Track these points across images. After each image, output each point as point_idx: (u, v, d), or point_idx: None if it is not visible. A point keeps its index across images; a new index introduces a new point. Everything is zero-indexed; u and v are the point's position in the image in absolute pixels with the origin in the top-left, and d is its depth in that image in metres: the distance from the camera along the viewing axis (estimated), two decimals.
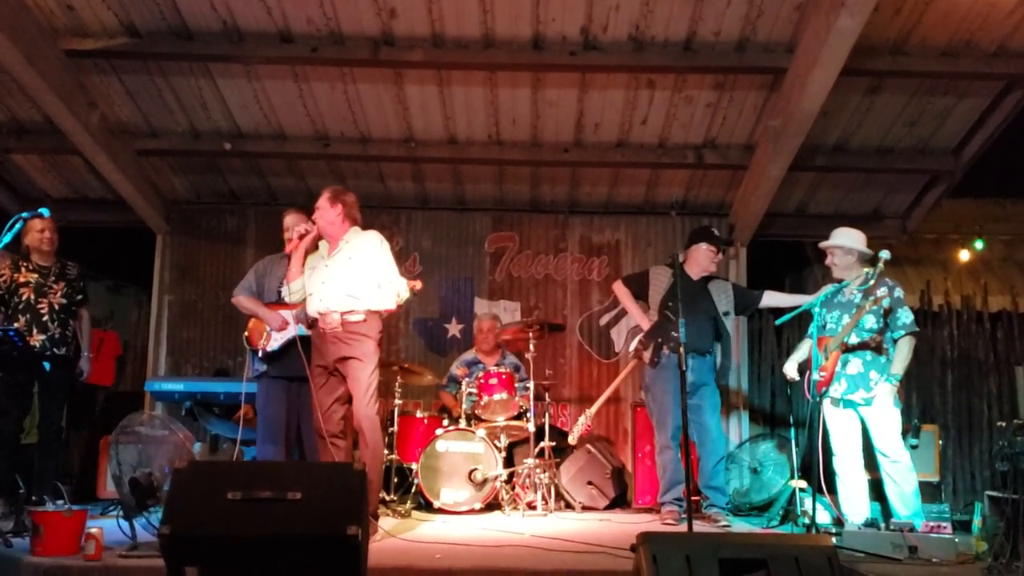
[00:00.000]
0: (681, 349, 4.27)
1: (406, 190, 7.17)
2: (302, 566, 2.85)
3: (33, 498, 4.33)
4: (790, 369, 4.88)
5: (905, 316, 4.57)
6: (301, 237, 4.52)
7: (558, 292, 7.20)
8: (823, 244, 4.79)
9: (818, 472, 4.36)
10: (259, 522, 2.83)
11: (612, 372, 7.00)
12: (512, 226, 7.27)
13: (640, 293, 5.47)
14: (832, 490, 4.76)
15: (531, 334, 5.77)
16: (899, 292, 4.61)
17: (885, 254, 4.44)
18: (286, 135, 6.52)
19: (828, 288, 4.75)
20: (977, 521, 4.31)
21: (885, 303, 4.49)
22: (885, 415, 4.53)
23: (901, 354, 4.54)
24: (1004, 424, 4.14)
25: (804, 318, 4.81)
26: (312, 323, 4.53)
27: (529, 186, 7.13)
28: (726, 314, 5.33)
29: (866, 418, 4.60)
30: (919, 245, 8.24)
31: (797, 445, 5.09)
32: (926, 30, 5.29)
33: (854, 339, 4.56)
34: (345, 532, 2.77)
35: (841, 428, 4.66)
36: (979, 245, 7.93)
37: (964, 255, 7.97)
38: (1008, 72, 5.59)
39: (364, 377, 4.34)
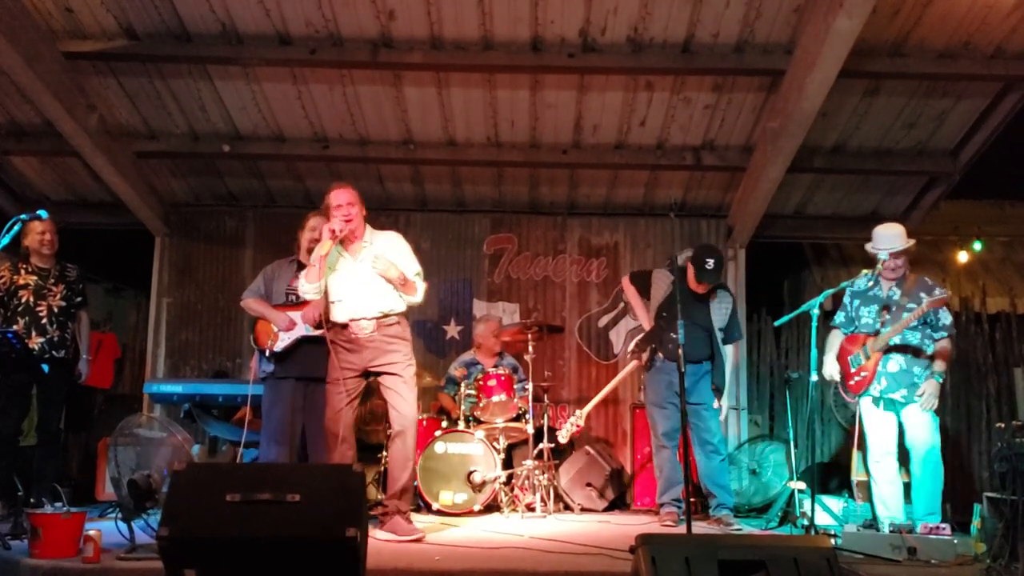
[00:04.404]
0: (680, 351, 4.24)
1: (405, 192, 7.17)
2: (301, 568, 2.85)
3: (31, 500, 4.33)
4: (831, 370, 4.77)
5: (946, 317, 4.56)
6: (333, 234, 4.30)
7: (557, 294, 7.20)
8: (894, 250, 4.57)
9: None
10: (258, 524, 2.82)
11: (611, 374, 6.98)
12: (511, 228, 7.27)
13: (644, 292, 5.45)
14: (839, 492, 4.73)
15: (530, 336, 5.77)
16: (939, 292, 4.53)
17: (884, 255, 4.44)
18: (285, 137, 6.52)
19: (825, 292, 4.70)
20: (976, 522, 4.31)
21: (943, 315, 4.50)
22: (926, 412, 4.48)
23: (942, 354, 4.53)
24: (1003, 425, 4.14)
25: (803, 319, 4.79)
26: (320, 325, 4.52)
27: (528, 188, 7.13)
28: (722, 329, 5.29)
29: (907, 414, 4.53)
30: (917, 246, 8.24)
31: (796, 446, 5.09)
32: (924, 32, 5.30)
33: (896, 339, 4.51)
34: (344, 534, 2.77)
35: (879, 429, 4.60)
36: (977, 247, 7.93)
37: (962, 256, 7.97)
38: (1006, 74, 5.60)
39: (412, 380, 4.38)
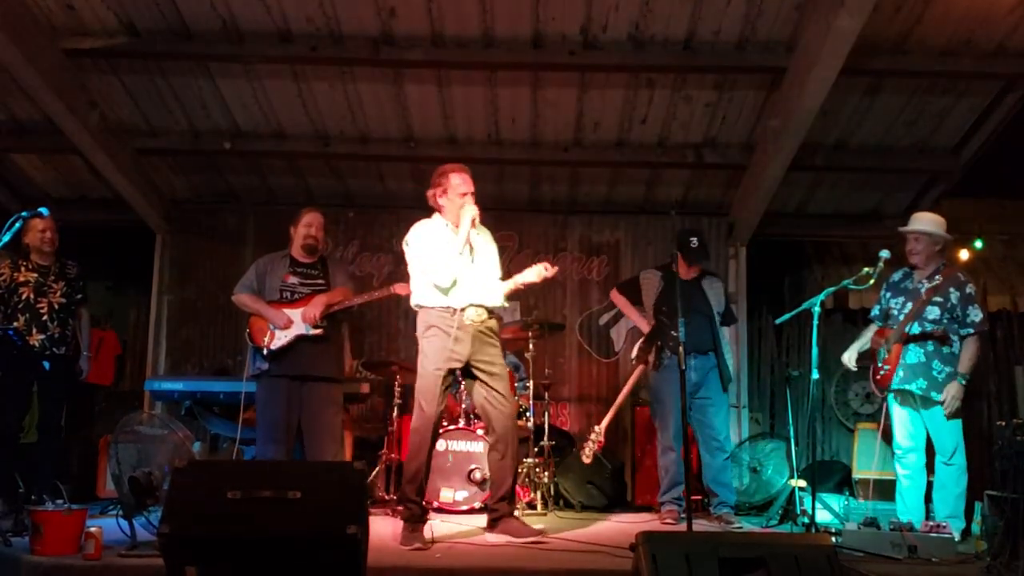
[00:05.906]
0: (681, 349, 4.25)
1: (405, 190, 7.15)
2: (302, 566, 2.85)
3: (32, 497, 4.33)
4: (849, 358, 4.77)
5: (975, 314, 4.44)
6: (474, 222, 4.24)
7: (557, 292, 7.19)
8: (907, 229, 4.63)
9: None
10: (259, 522, 2.83)
11: (611, 371, 7.01)
12: (511, 225, 7.25)
13: (635, 299, 5.44)
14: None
15: (530, 333, 5.76)
16: (970, 288, 4.48)
17: (885, 253, 4.41)
18: (286, 134, 6.51)
19: (827, 290, 4.69)
20: (977, 520, 4.30)
21: (954, 298, 4.42)
22: (948, 415, 4.41)
23: (968, 353, 4.43)
24: (1004, 423, 4.14)
25: (804, 317, 4.79)
26: (319, 324, 4.47)
27: (528, 185, 7.12)
28: (720, 313, 5.30)
29: (929, 415, 4.49)
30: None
31: (796, 444, 5.08)
32: (925, 30, 5.29)
33: (916, 331, 4.47)
34: (345, 532, 2.77)
35: (898, 423, 4.57)
36: (978, 245, 7.92)
37: (963, 255, 7.96)
38: (1007, 71, 5.60)
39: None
